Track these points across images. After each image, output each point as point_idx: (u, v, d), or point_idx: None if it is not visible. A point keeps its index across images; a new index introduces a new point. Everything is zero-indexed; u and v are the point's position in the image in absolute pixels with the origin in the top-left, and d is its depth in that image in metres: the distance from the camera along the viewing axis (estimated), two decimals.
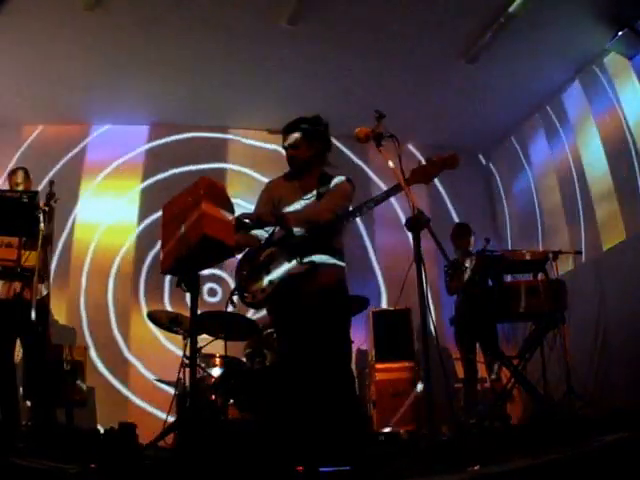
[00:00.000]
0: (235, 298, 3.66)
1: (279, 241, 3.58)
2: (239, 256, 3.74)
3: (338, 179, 3.72)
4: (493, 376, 5.78)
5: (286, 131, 3.77)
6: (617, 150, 6.41)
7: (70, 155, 7.63)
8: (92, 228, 7.48)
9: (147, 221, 7.51)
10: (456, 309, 5.97)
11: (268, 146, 7.95)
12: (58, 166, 7.43)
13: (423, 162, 3.32)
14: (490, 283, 5.72)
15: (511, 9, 5.84)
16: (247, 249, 3.72)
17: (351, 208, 3.61)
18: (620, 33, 6.01)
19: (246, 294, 3.60)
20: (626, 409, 5.01)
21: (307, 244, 3.48)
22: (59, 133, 7.70)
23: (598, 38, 6.23)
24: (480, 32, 6.24)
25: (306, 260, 3.45)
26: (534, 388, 5.31)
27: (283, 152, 3.83)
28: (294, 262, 3.46)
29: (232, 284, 7.16)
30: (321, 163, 3.77)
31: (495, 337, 5.87)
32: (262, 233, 3.69)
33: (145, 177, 7.80)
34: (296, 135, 3.71)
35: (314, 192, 3.66)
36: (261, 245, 3.66)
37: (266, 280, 3.52)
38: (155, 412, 6.49)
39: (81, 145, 7.75)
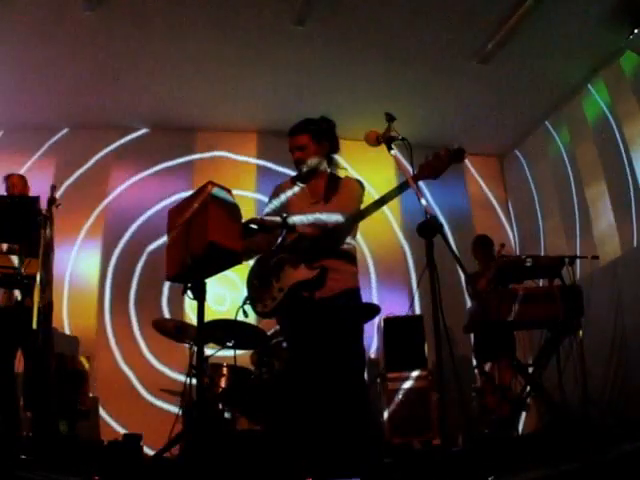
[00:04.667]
0: (247, 308, 3.59)
1: (289, 246, 3.50)
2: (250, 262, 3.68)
3: (347, 181, 3.65)
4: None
5: (292, 133, 3.69)
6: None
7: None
8: None
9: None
10: (470, 316, 5.88)
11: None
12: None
13: (430, 157, 3.19)
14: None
15: (523, 9, 5.75)
16: (257, 257, 3.64)
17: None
18: (636, 31, 5.91)
19: (258, 303, 3.52)
20: None
21: (317, 248, 3.39)
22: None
23: (613, 37, 6.13)
24: (493, 32, 6.17)
25: (316, 265, 3.36)
26: (550, 397, 5.21)
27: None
28: (304, 267, 3.38)
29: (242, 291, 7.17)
30: (329, 164, 3.70)
31: (513, 345, 5.79)
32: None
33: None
34: (303, 136, 3.64)
35: (323, 195, 3.59)
36: (271, 252, 3.58)
37: (276, 287, 3.43)
38: (161, 422, 6.38)
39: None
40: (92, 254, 7.40)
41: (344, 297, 3.42)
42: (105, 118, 7.67)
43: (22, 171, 6.50)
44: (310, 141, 3.62)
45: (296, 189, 3.70)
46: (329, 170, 3.70)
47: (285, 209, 3.63)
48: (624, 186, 6.42)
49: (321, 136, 3.64)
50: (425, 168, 3.18)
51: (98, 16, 5.81)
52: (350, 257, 3.52)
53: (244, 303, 3.59)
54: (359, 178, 3.76)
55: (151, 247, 7.25)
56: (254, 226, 3.48)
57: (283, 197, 3.71)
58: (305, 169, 3.65)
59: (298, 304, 3.39)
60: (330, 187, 3.60)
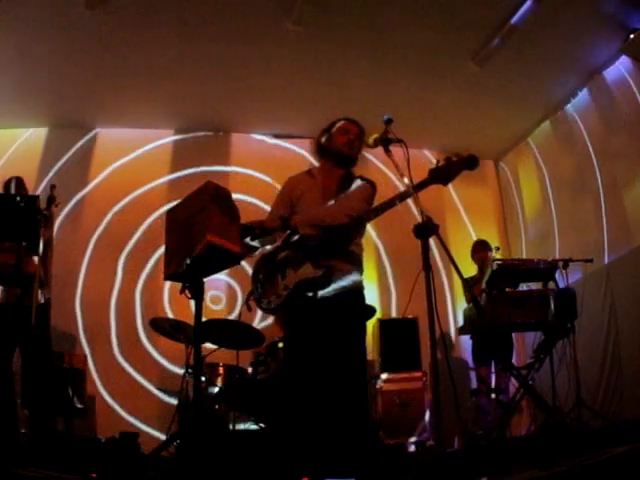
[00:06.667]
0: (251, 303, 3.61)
1: (295, 244, 3.49)
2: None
3: (360, 181, 3.68)
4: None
5: (355, 122, 3.77)
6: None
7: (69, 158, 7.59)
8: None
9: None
10: (466, 319, 5.91)
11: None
12: (56, 169, 7.44)
13: (442, 162, 3.15)
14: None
15: (521, 11, 5.75)
16: (263, 253, 3.67)
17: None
18: (632, 37, 5.94)
19: (262, 299, 3.54)
20: (636, 420, 4.96)
21: (323, 248, 3.40)
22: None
23: (608, 43, 6.15)
24: (490, 35, 6.16)
25: (322, 264, 3.37)
26: (543, 399, 5.23)
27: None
28: (309, 266, 3.38)
29: (239, 290, 7.17)
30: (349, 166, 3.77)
31: (510, 349, 5.82)
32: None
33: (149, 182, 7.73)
34: (359, 130, 3.73)
35: (334, 192, 3.62)
36: (278, 248, 3.58)
37: (282, 285, 3.45)
38: (157, 422, 6.39)
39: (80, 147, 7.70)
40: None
41: (347, 297, 3.43)
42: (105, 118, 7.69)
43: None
44: (362, 136, 3.69)
45: (310, 183, 3.73)
46: (346, 170, 3.75)
47: (296, 202, 3.68)
48: (618, 189, 6.45)
49: (361, 141, 3.70)
50: (436, 173, 3.13)
51: (98, 14, 5.78)
52: (355, 257, 3.53)
53: (248, 297, 3.61)
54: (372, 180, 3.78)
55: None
56: (254, 228, 3.50)
57: (295, 190, 3.75)
58: (355, 154, 3.73)
59: (301, 303, 3.41)
60: (342, 186, 3.63)
